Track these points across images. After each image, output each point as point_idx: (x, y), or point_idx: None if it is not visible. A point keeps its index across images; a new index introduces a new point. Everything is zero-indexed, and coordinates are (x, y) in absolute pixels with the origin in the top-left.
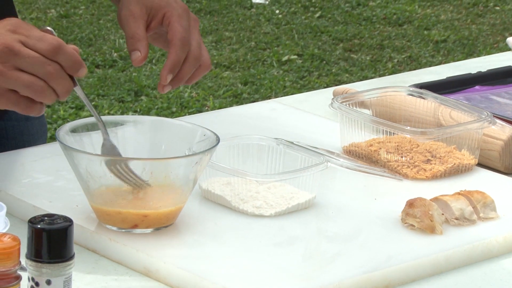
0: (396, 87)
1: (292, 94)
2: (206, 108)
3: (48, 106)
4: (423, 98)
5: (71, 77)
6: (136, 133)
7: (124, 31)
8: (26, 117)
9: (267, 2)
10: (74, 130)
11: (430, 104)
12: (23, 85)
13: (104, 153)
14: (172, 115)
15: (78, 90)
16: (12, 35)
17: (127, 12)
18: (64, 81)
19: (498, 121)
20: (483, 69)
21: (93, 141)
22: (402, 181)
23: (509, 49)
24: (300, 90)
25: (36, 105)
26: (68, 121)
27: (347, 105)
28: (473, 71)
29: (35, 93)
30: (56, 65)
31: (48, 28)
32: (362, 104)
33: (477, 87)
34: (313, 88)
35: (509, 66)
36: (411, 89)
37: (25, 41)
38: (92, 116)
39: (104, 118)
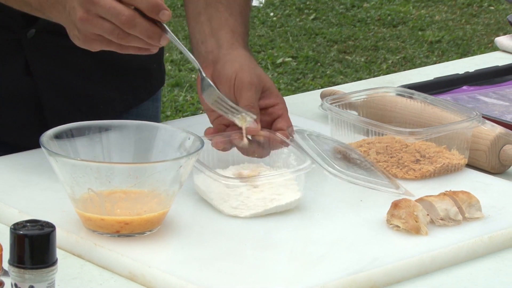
0: (385, 88)
1: (286, 96)
2: (201, 111)
3: None
4: (412, 99)
5: (159, 24)
6: (121, 138)
7: (230, 97)
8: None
9: (261, 5)
10: (58, 136)
11: (419, 104)
12: (106, 32)
13: (203, 87)
14: (166, 118)
15: (169, 35)
16: None
17: (243, 79)
18: (142, 26)
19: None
20: (472, 69)
21: (77, 146)
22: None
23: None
24: (294, 92)
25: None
26: None
27: (337, 106)
28: (462, 71)
29: (118, 39)
30: (130, 11)
31: None
32: (351, 106)
33: (464, 87)
34: (307, 91)
35: (496, 66)
36: (400, 89)
37: None
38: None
39: (89, 123)
